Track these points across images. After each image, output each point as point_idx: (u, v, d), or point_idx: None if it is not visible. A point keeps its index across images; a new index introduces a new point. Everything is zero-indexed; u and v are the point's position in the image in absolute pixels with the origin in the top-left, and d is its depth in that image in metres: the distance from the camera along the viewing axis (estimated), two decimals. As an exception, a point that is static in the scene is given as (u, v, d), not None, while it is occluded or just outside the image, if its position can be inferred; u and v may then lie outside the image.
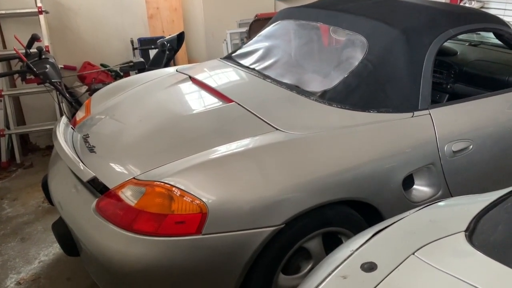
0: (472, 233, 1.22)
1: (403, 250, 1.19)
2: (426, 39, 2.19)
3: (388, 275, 1.12)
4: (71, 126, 2.44)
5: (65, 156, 2.01)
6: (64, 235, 1.99)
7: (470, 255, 1.13)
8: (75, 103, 3.52)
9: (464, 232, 1.22)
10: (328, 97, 2.11)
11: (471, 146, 2.15)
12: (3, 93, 3.94)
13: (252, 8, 4.99)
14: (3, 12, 3.98)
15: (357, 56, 2.21)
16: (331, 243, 1.92)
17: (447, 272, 1.09)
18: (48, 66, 3.21)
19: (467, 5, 4.63)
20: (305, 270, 1.90)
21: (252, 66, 2.62)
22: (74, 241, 1.96)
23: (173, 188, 1.68)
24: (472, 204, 1.39)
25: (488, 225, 1.24)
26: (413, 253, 1.18)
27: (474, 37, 3.44)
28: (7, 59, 3.68)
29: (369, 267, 1.16)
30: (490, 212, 1.30)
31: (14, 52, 3.28)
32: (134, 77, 2.97)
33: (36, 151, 4.28)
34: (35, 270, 2.60)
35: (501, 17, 2.60)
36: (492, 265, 1.09)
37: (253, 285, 1.78)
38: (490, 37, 3.27)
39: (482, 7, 4.54)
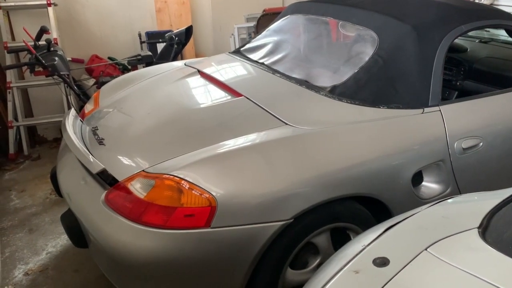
0: (486, 229, 1.21)
1: (416, 245, 1.19)
2: (437, 35, 2.17)
3: (400, 270, 1.11)
4: (79, 118, 2.45)
5: (75, 148, 2.02)
6: (73, 226, 2.00)
7: (483, 251, 1.13)
8: (82, 96, 3.53)
9: (477, 229, 1.22)
10: (337, 92, 2.10)
11: (481, 144, 2.13)
12: (11, 85, 3.95)
13: (260, 3, 4.98)
14: (12, 4, 3.99)
15: (367, 51, 2.19)
16: (339, 239, 1.91)
17: (460, 268, 1.08)
18: (56, 58, 3.22)
19: (477, 1, 4.59)
20: (313, 265, 1.90)
21: (261, 61, 2.61)
22: (83, 232, 1.97)
23: (182, 181, 1.68)
24: (485, 201, 1.38)
25: (502, 222, 1.23)
26: (426, 249, 1.17)
27: (484, 34, 3.41)
28: (16, 51, 3.69)
29: (381, 262, 1.16)
30: (503, 209, 1.29)
31: (23, 44, 3.29)
32: (143, 71, 2.97)
33: (43, 143, 4.30)
34: (43, 261, 2.62)
35: (512, 13, 2.57)
36: (506, 261, 1.08)
37: (260, 279, 1.78)
38: (501, 34, 3.25)
39: (492, 4, 4.49)
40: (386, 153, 1.92)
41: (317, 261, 1.90)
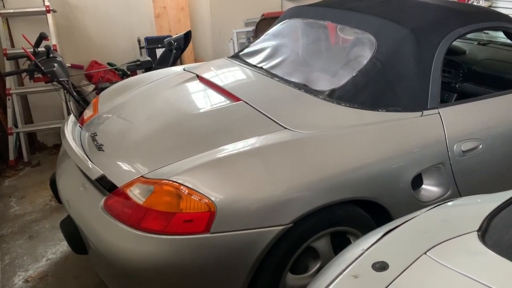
0: (485, 232, 1.21)
1: (415, 249, 1.18)
2: (435, 38, 2.17)
3: (400, 274, 1.11)
4: (79, 124, 2.45)
5: (74, 154, 2.02)
6: (72, 233, 2.00)
7: (483, 255, 1.12)
8: (82, 102, 3.54)
9: (476, 232, 1.21)
10: (336, 96, 2.10)
11: (480, 146, 2.13)
12: (11, 91, 3.96)
13: (258, 7, 4.99)
14: (11, 11, 4.00)
15: (365, 55, 2.19)
16: (339, 243, 1.91)
17: (460, 272, 1.08)
18: (55, 64, 3.23)
19: (475, 3, 4.60)
20: (313, 270, 1.89)
21: (259, 65, 2.61)
22: (82, 239, 1.97)
23: (181, 187, 1.68)
24: (484, 204, 1.37)
25: (501, 225, 1.23)
26: (425, 253, 1.17)
27: (483, 36, 3.41)
28: (16, 58, 3.70)
29: (380, 266, 1.15)
30: (502, 212, 1.29)
31: (22, 51, 3.29)
32: (142, 76, 2.98)
33: (43, 149, 4.30)
34: (42, 268, 2.61)
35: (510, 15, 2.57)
36: (505, 264, 1.08)
37: (261, 284, 1.77)
38: (499, 36, 3.25)
39: (490, 6, 4.50)
40: (385, 156, 1.91)
41: (318, 265, 1.89)
